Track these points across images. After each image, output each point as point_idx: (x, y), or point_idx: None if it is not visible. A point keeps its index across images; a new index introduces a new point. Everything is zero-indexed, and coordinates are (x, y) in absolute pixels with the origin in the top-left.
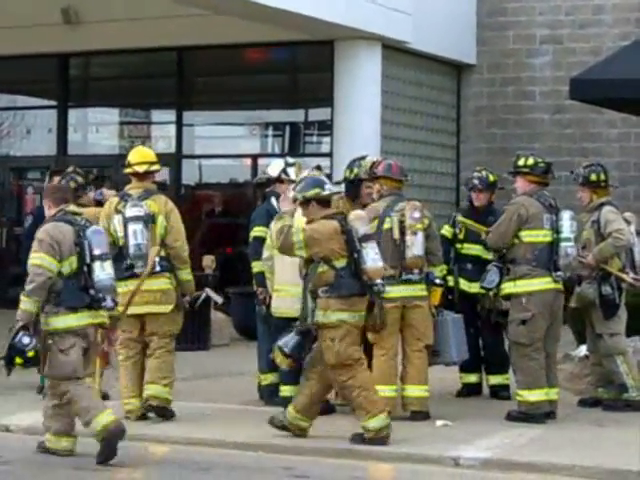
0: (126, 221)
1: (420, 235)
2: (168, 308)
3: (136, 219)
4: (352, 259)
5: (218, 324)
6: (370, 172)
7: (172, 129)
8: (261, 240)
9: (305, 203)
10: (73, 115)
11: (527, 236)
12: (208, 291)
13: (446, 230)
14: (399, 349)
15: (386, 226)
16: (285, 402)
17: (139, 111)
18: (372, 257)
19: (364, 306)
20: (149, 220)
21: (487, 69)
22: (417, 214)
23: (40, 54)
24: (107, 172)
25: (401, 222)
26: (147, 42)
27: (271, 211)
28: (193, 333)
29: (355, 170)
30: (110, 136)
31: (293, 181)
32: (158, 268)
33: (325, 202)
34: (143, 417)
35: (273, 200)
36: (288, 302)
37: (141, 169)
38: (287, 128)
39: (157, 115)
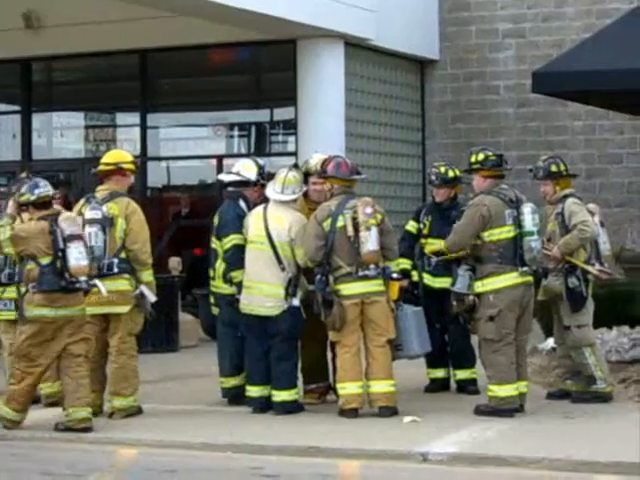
0: (84, 224)
1: (374, 230)
2: (125, 309)
3: (93, 222)
4: (57, 257)
5: (186, 325)
6: (320, 171)
7: (137, 132)
8: (241, 247)
9: (25, 206)
10: (37, 120)
11: (490, 235)
12: (142, 288)
13: (411, 225)
14: (361, 346)
15: (339, 224)
16: (253, 402)
17: (104, 114)
18: (75, 256)
19: (71, 302)
20: (106, 223)
21: (451, 64)
22: (369, 210)
23: (2, 60)
24: (73, 176)
25: (354, 219)
26: (109, 45)
27: (242, 215)
28: (161, 335)
29: (302, 168)
30: (75, 140)
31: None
32: (116, 270)
33: (41, 204)
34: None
35: (241, 202)
36: (258, 299)
37: (104, 169)
38: (252, 128)
39: (121, 118)
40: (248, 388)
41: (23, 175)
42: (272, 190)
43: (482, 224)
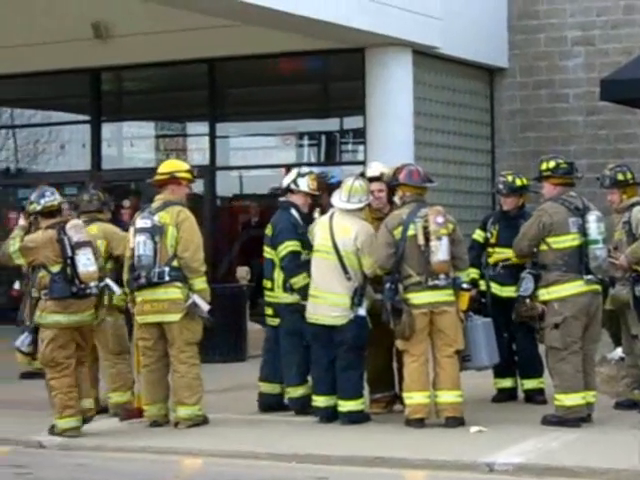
0: (135, 232)
1: (445, 240)
2: (176, 317)
3: (142, 230)
4: (66, 265)
5: (254, 335)
6: (392, 179)
7: (206, 141)
8: (298, 254)
9: (34, 215)
10: (107, 129)
11: (554, 242)
12: (195, 297)
13: (478, 234)
14: (429, 355)
15: (410, 232)
16: (319, 412)
17: (173, 124)
18: (84, 262)
19: (82, 307)
20: (156, 232)
21: (520, 72)
22: (441, 219)
23: (72, 69)
24: (143, 185)
25: (425, 228)
26: (178, 54)
27: (295, 223)
28: (230, 344)
29: None
30: (145, 149)
31: (306, 192)
32: (167, 278)
33: (48, 213)
34: (158, 424)
35: (293, 211)
36: (324, 309)
37: (159, 179)
38: (320, 137)
39: (190, 127)
40: (314, 398)
41: (90, 185)
42: (338, 199)
43: (541, 231)
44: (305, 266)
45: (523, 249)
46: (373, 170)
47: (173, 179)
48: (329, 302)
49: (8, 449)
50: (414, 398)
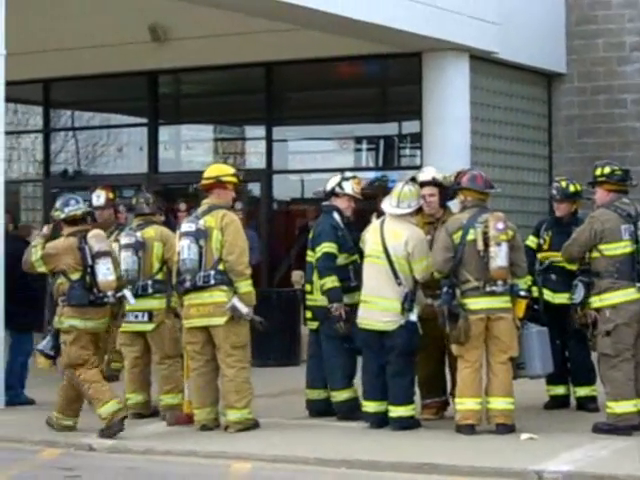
0: (180, 236)
1: (504, 246)
2: (222, 320)
3: (186, 234)
4: (85, 273)
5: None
6: (454, 183)
7: (263, 145)
8: (332, 256)
9: (58, 222)
10: (164, 132)
11: (606, 249)
12: (234, 300)
13: (531, 240)
14: (483, 362)
15: (470, 237)
16: (369, 418)
17: (230, 127)
18: (103, 272)
19: (98, 315)
20: (200, 235)
21: (578, 78)
22: (501, 225)
23: (129, 72)
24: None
25: (485, 233)
26: (235, 58)
27: (336, 226)
28: (283, 348)
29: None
30: (203, 153)
31: (350, 195)
32: (212, 281)
33: (72, 221)
34: (207, 428)
35: (335, 215)
36: (375, 314)
37: (205, 183)
38: (377, 141)
39: (248, 131)
40: (364, 403)
41: (144, 188)
42: (388, 204)
43: (592, 238)
44: (339, 270)
45: (573, 254)
46: (425, 174)
47: (219, 183)
48: (380, 307)
49: (58, 452)
50: (466, 404)
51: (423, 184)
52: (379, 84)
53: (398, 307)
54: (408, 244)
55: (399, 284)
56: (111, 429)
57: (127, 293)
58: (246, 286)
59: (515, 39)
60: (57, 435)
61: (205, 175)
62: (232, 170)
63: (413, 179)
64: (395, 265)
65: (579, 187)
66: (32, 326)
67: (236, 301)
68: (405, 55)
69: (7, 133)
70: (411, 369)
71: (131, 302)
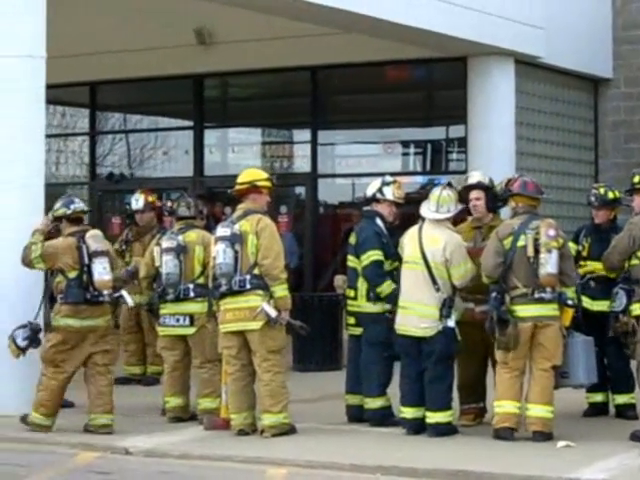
0: (215, 241)
1: (555, 253)
2: (257, 325)
3: (221, 239)
4: (82, 272)
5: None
6: (505, 189)
7: (308, 148)
8: (380, 263)
9: (58, 219)
10: (209, 136)
11: None
12: (264, 305)
13: (570, 247)
14: (526, 368)
15: (520, 243)
16: (406, 424)
17: (276, 131)
18: (99, 271)
19: (95, 313)
20: (235, 240)
21: (624, 83)
22: (552, 232)
23: (174, 76)
24: None
25: (535, 240)
26: (280, 62)
27: (379, 232)
28: (325, 353)
29: (459, 186)
30: (251, 156)
31: (391, 200)
32: (248, 286)
33: (75, 219)
34: (244, 433)
35: (378, 220)
36: (413, 320)
37: (240, 188)
38: (422, 146)
39: (293, 134)
40: (402, 409)
41: (187, 192)
42: (427, 209)
43: (631, 245)
44: (389, 274)
45: (614, 262)
46: (472, 178)
47: (253, 188)
48: (418, 313)
49: (94, 455)
50: (504, 407)
51: (470, 188)
52: (424, 88)
53: (436, 313)
54: (446, 250)
55: (437, 290)
56: (29, 427)
57: (124, 294)
58: (282, 290)
59: (561, 44)
60: (94, 438)
61: (239, 180)
62: (266, 175)
63: (450, 184)
64: (433, 271)
65: (618, 194)
66: None
67: (266, 305)
68: (450, 60)
69: (54, 136)
70: (449, 375)
71: (129, 303)
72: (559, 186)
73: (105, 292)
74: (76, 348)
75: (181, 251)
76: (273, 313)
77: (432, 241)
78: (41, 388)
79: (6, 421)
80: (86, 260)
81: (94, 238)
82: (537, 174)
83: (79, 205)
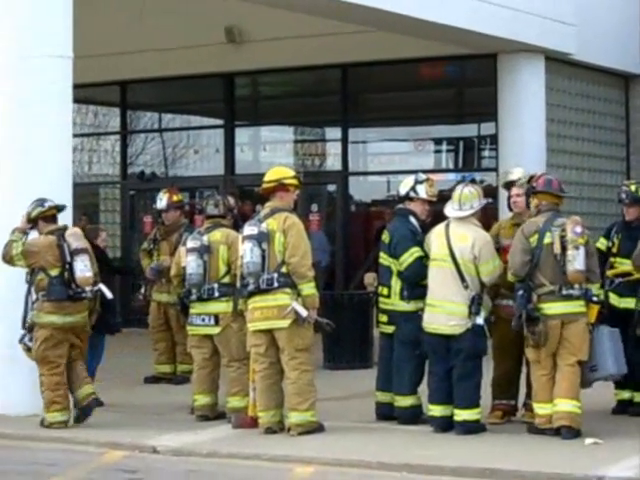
0: (242, 240)
1: (582, 250)
2: (286, 323)
3: (249, 237)
4: (64, 269)
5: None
6: (529, 187)
7: (339, 146)
8: (422, 259)
9: (34, 220)
10: (243, 134)
11: None
12: (294, 304)
13: (601, 243)
14: None
15: (547, 241)
16: (435, 421)
17: (307, 129)
18: (80, 268)
19: (77, 309)
20: (262, 238)
21: None
22: (579, 229)
23: (205, 74)
24: None
25: (562, 237)
26: (311, 60)
27: (414, 230)
28: (355, 351)
29: (502, 180)
30: (283, 154)
31: (424, 199)
32: (276, 284)
33: (51, 218)
34: (272, 431)
35: (412, 219)
36: (442, 318)
37: (267, 187)
38: (453, 143)
39: (324, 132)
40: (430, 407)
41: (217, 190)
42: (450, 208)
43: None
44: None
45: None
46: (513, 175)
47: (280, 186)
48: (446, 311)
49: (122, 454)
50: (547, 409)
51: (510, 184)
52: (455, 86)
53: (465, 311)
54: (474, 247)
55: (466, 287)
56: (49, 428)
57: (103, 287)
58: (309, 288)
59: (591, 40)
60: (122, 437)
61: (266, 178)
62: (293, 172)
63: (473, 180)
64: (461, 268)
65: None
66: (103, 328)
67: (296, 305)
68: (481, 57)
69: (87, 135)
70: (477, 372)
71: (108, 296)
72: (590, 183)
73: (87, 288)
74: (64, 342)
75: (205, 251)
76: (304, 312)
77: (460, 238)
78: (44, 389)
79: (37, 420)
80: (68, 258)
81: (74, 236)
82: (568, 171)
83: (52, 202)
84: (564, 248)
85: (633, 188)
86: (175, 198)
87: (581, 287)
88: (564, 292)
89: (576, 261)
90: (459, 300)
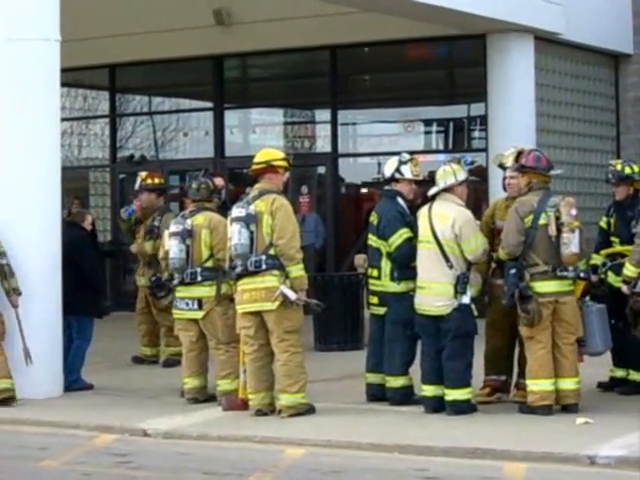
0: (230, 222)
1: (577, 233)
2: (274, 305)
3: (237, 220)
4: None
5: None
6: (518, 165)
7: (329, 128)
8: (411, 240)
9: None
10: (233, 116)
11: None
12: (282, 287)
13: (604, 222)
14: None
15: (542, 221)
16: (426, 402)
17: (296, 111)
18: None
19: None
20: (250, 220)
21: None
22: (574, 211)
23: (194, 57)
24: None
25: (557, 219)
26: (300, 41)
27: (402, 211)
28: (346, 333)
29: (496, 161)
30: (272, 137)
31: (410, 179)
32: (264, 266)
33: None
34: (262, 413)
35: (399, 199)
36: (429, 299)
37: (256, 168)
38: (442, 124)
39: (313, 114)
40: (423, 387)
41: (201, 173)
42: (432, 189)
43: None
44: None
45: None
46: (507, 157)
47: (270, 168)
48: (433, 292)
49: (113, 437)
50: (541, 385)
51: (505, 166)
52: (444, 66)
53: (451, 291)
54: (455, 225)
55: (450, 267)
56: None
57: None
58: (297, 270)
59: (580, 20)
60: (112, 420)
61: (255, 160)
62: (282, 154)
63: (459, 161)
64: (445, 248)
65: (636, 169)
66: (92, 311)
67: (284, 288)
68: (470, 37)
69: (76, 119)
70: (467, 352)
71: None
72: (580, 162)
73: None
74: None
75: (187, 235)
76: (292, 296)
77: (441, 218)
78: None
79: (29, 404)
80: None
81: None
82: (558, 150)
83: None
84: (559, 230)
85: (619, 167)
86: (149, 180)
87: (575, 269)
88: (558, 273)
89: (572, 244)
90: (444, 280)
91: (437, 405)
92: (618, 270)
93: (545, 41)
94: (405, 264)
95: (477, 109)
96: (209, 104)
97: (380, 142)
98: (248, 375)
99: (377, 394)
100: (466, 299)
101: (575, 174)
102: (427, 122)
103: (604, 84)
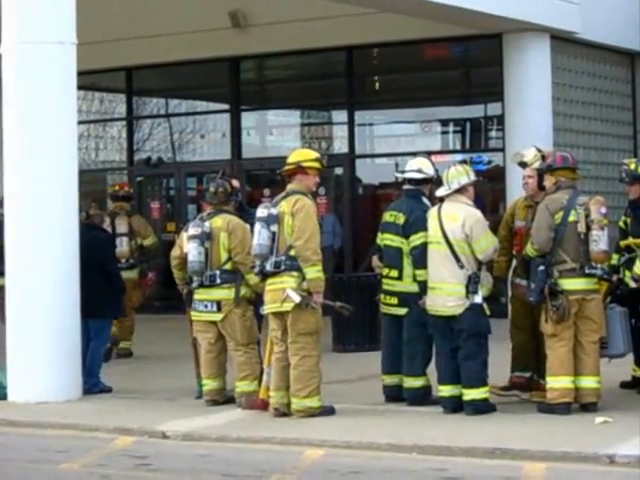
0: (256, 222)
1: (606, 231)
2: (289, 306)
3: (260, 220)
4: None
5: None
6: (546, 165)
7: (346, 129)
8: (426, 244)
9: None
10: (249, 118)
11: None
12: (288, 290)
13: (622, 221)
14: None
15: (571, 218)
16: (444, 402)
17: (313, 112)
18: None
19: None
20: (271, 221)
21: None
22: (604, 210)
23: (210, 59)
24: None
25: (587, 216)
26: (316, 42)
27: (427, 211)
28: (364, 334)
29: (515, 160)
30: (289, 138)
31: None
32: (283, 267)
33: None
34: (280, 413)
35: (425, 200)
36: (441, 299)
37: (287, 169)
38: (459, 124)
39: (330, 115)
40: (440, 388)
41: (218, 176)
42: (441, 190)
43: None
44: None
45: None
46: (526, 156)
47: (300, 169)
48: (445, 292)
49: (132, 439)
50: (561, 382)
51: (524, 165)
52: (461, 66)
53: (462, 290)
54: (465, 225)
55: (461, 267)
56: None
57: None
58: (314, 272)
59: (596, 18)
60: (131, 422)
61: (288, 161)
62: (315, 155)
63: (464, 161)
64: (455, 248)
65: None
66: (111, 313)
67: (289, 290)
68: (486, 37)
69: (93, 122)
70: (482, 351)
71: None
72: (597, 161)
73: None
74: None
75: (206, 238)
76: (297, 298)
77: (451, 219)
78: None
79: (49, 407)
80: None
81: None
82: (575, 150)
83: None
84: (588, 228)
85: (633, 166)
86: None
87: (602, 267)
88: (586, 271)
89: (601, 242)
90: (456, 280)
91: (455, 405)
92: (629, 265)
93: (561, 40)
94: (417, 267)
95: (494, 109)
96: (226, 106)
97: (397, 143)
98: (273, 373)
99: (395, 395)
100: (478, 299)
101: (592, 173)
102: (444, 122)
103: (620, 83)
